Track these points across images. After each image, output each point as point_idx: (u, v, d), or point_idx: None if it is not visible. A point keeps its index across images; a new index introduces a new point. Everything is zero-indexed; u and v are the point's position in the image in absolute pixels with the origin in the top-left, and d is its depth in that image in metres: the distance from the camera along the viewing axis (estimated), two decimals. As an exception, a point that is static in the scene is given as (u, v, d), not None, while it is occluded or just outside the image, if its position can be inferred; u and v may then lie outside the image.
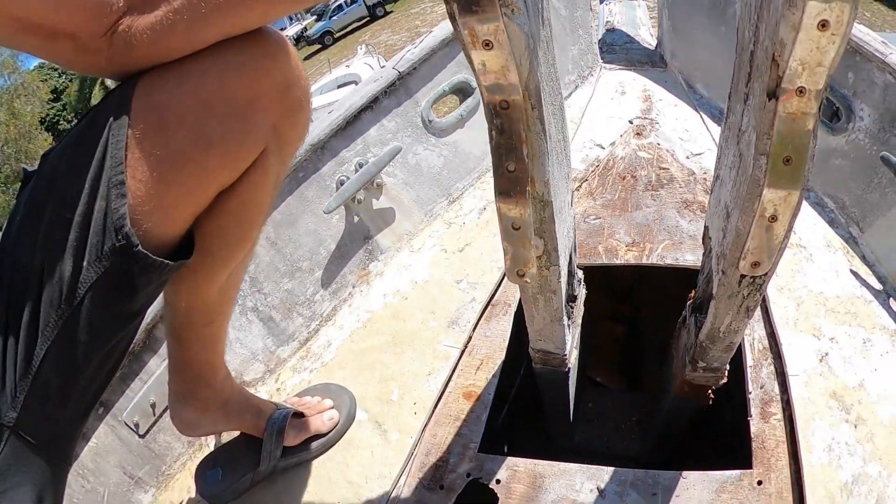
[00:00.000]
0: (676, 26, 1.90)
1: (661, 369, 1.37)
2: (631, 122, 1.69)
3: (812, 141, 0.57)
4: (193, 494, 1.19)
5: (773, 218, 0.65)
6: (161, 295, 0.89)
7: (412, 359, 1.31)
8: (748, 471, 1.02)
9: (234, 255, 0.91)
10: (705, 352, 0.97)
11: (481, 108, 1.71)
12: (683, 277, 1.34)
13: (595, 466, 1.07)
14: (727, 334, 0.92)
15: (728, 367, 1.02)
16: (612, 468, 1.06)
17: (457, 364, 1.27)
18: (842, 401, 1.11)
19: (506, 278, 1.40)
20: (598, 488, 1.04)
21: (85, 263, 0.68)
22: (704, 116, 1.74)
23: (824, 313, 1.25)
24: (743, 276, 0.76)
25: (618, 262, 1.38)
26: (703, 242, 1.02)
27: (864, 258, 1.42)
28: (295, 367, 1.45)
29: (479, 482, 1.08)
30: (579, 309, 1.13)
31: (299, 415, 1.17)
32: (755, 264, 0.72)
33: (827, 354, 1.17)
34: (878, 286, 1.35)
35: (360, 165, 1.53)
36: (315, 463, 1.18)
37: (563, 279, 0.93)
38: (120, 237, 0.68)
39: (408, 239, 1.62)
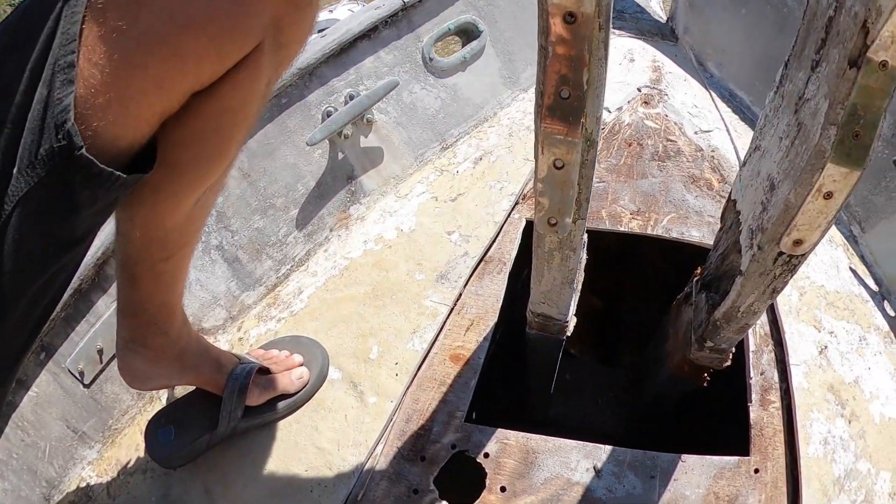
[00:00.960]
0: (693, 2, 1.81)
1: (650, 345, 1.33)
2: (639, 90, 1.61)
3: (882, 119, 0.56)
4: (142, 453, 1.08)
5: (829, 195, 0.62)
6: (112, 220, 0.75)
7: (395, 314, 1.20)
8: (746, 458, 0.99)
9: (207, 173, 0.75)
10: (717, 331, 0.92)
11: (485, 52, 1.60)
12: (686, 254, 1.29)
13: (592, 444, 1.01)
14: (746, 315, 0.87)
15: (733, 350, 0.98)
16: (609, 447, 1.00)
17: (444, 323, 1.17)
18: (838, 395, 1.09)
19: (502, 233, 1.32)
20: (594, 467, 0.98)
21: (15, 170, 0.54)
22: (714, 95, 1.68)
23: (825, 307, 1.22)
24: (780, 255, 0.72)
25: (622, 229, 1.31)
26: (723, 217, 0.97)
27: (862, 258, 1.41)
28: (260, 315, 1.32)
29: (466, 455, 1.00)
30: (580, 274, 1.05)
31: (264, 371, 1.05)
32: (798, 242, 0.68)
33: (826, 348, 1.15)
34: (874, 287, 1.34)
35: (351, 97, 1.39)
36: (280, 425, 1.07)
37: (585, 236, 0.85)
38: (60, 136, 0.53)
39: (395, 183, 1.50)
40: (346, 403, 1.08)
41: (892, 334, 1.28)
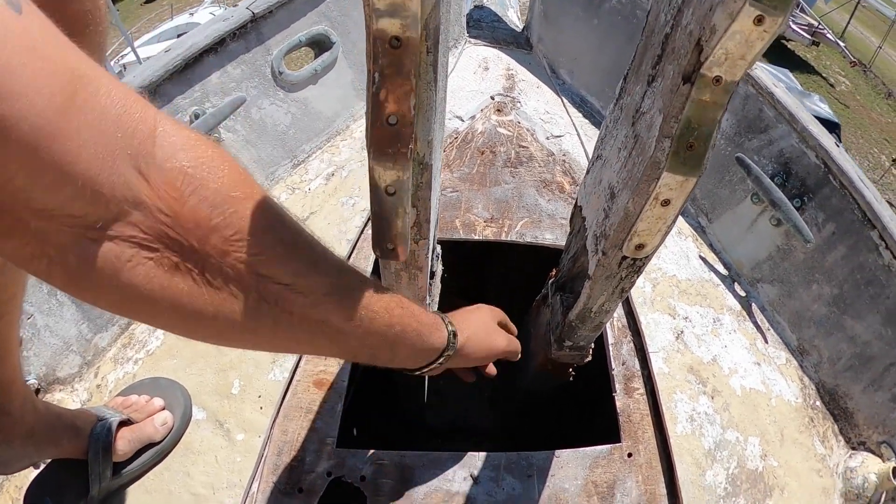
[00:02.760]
0: (548, 12, 1.89)
1: None
2: (492, 98, 1.65)
3: (717, 130, 0.57)
4: None
5: (667, 202, 0.63)
6: None
7: None
8: (618, 444, 1.02)
9: None
10: (573, 331, 0.94)
11: (337, 64, 1.56)
12: (542, 256, 1.32)
13: (467, 453, 1.00)
14: (598, 314, 0.89)
15: (593, 345, 1.01)
16: (483, 453, 1.00)
17: None
18: (698, 375, 1.15)
19: (355, 252, 1.29)
20: (471, 475, 0.97)
21: None
22: (566, 101, 1.75)
23: (678, 294, 1.30)
24: (624, 258, 0.73)
25: (476, 237, 1.32)
26: (572, 222, 0.99)
27: (711, 246, 1.51)
28: (117, 358, 1.21)
29: (342, 481, 0.96)
30: (437, 286, 1.05)
31: (126, 422, 0.97)
32: (640, 246, 0.70)
33: (682, 333, 1.21)
34: (724, 272, 1.44)
35: (197, 116, 1.31)
36: (152, 475, 0.99)
37: (431, 255, 0.85)
38: None
39: (246, 205, 1.43)
40: (215, 444, 1.00)
41: (744, 312, 1.38)
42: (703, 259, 1.45)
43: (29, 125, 0.33)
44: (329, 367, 1.10)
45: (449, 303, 1.15)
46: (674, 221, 0.65)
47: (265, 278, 0.46)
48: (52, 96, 0.34)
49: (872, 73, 15.77)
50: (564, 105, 1.72)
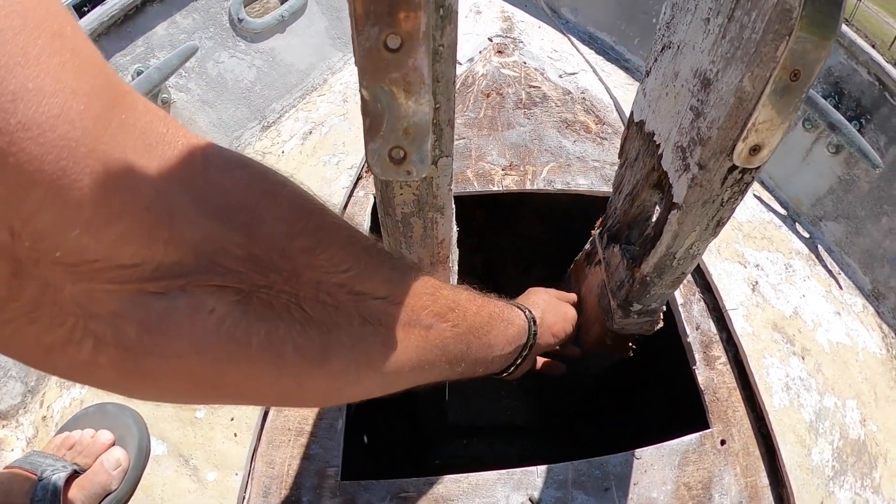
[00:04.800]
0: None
1: None
2: (490, 40, 1.42)
3: None
4: None
5: (797, 75, 0.45)
6: None
7: None
8: (707, 431, 0.81)
9: None
10: (646, 289, 0.73)
11: (308, 10, 1.32)
12: (580, 205, 1.10)
13: (519, 469, 0.77)
14: (683, 262, 0.68)
15: (665, 308, 0.80)
16: (543, 467, 0.77)
17: None
18: (784, 332, 0.94)
19: (345, 217, 1.03)
20: (530, 499, 0.74)
21: None
22: (573, 39, 1.53)
23: (742, 239, 1.08)
24: (731, 171, 0.54)
25: (495, 188, 1.09)
26: (623, 150, 0.78)
27: (763, 183, 1.30)
28: (62, 382, 0.98)
29: None
30: (455, 251, 0.83)
31: (74, 474, 0.76)
32: (756, 149, 0.51)
33: (757, 283, 1.00)
34: (782, 211, 1.24)
35: (140, 73, 1.08)
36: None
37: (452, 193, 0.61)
38: None
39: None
40: (181, 487, 0.76)
41: (812, 256, 1.17)
42: (759, 198, 1.24)
43: (59, 135, 0.22)
44: None
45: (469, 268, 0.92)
46: (797, 111, 0.47)
47: (363, 296, 0.39)
48: (89, 100, 0.24)
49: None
50: (573, 43, 1.49)
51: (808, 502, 0.79)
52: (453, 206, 0.65)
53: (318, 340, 0.35)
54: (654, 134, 0.70)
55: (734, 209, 0.60)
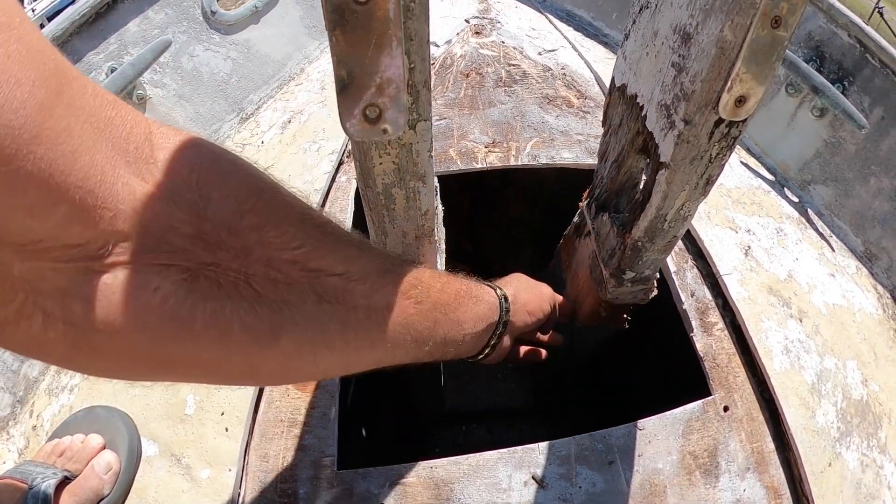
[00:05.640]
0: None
1: None
2: (467, 21, 1.40)
3: None
4: None
5: (777, 21, 0.44)
6: None
7: None
8: (710, 398, 0.79)
9: None
10: (638, 255, 0.72)
11: (282, 0, 1.31)
12: (565, 179, 1.09)
13: (521, 448, 0.75)
14: (675, 223, 0.67)
15: (658, 275, 0.79)
16: (544, 444, 0.75)
17: None
18: (780, 295, 0.93)
19: (328, 202, 1.02)
20: (534, 477, 0.72)
21: None
22: (551, 17, 1.51)
23: (732, 205, 1.07)
24: (718, 124, 0.52)
25: (479, 166, 1.07)
26: (606, 118, 0.77)
27: (749, 150, 1.30)
28: (51, 389, 0.95)
29: None
30: (440, 229, 0.81)
31: (65, 480, 0.74)
32: (741, 100, 0.50)
33: (750, 248, 0.99)
34: (770, 177, 1.24)
35: (113, 71, 1.05)
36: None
37: (433, 161, 0.59)
38: None
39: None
40: (174, 487, 0.73)
41: (802, 219, 1.17)
42: (746, 164, 1.22)
43: (2, 124, 0.23)
44: None
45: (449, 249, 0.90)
46: (780, 59, 0.46)
47: (317, 272, 0.38)
48: (33, 88, 0.24)
49: None
50: (551, 21, 1.48)
51: (815, 465, 0.78)
52: (435, 175, 0.63)
53: (268, 319, 0.35)
54: (636, 96, 0.69)
55: (723, 166, 0.59)
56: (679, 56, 0.55)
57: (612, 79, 0.73)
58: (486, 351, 0.66)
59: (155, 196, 0.30)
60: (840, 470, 0.81)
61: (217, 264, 0.32)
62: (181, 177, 0.32)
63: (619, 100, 0.73)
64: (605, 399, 1.07)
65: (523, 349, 0.79)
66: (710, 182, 0.61)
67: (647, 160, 0.68)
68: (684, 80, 0.54)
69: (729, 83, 0.48)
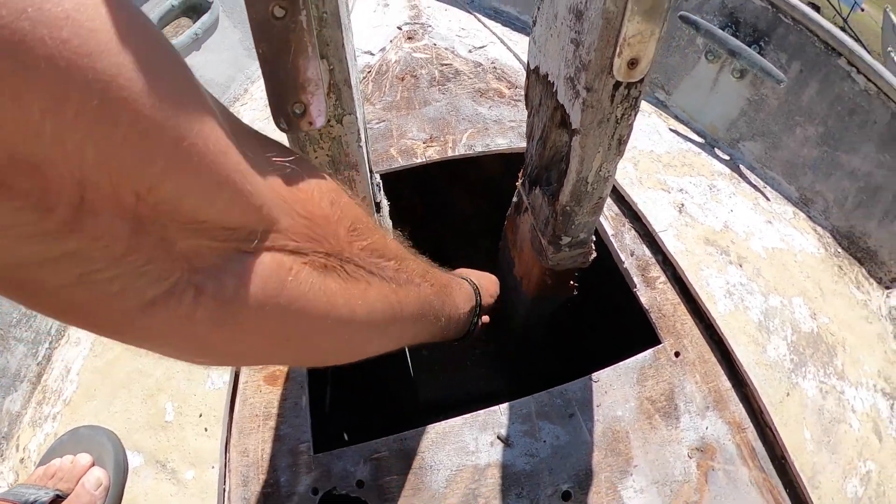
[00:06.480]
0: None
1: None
2: (400, 28, 1.45)
3: None
4: None
5: None
6: None
7: None
8: (660, 346, 0.84)
9: None
10: (569, 219, 0.76)
11: (220, 24, 1.34)
12: (501, 164, 1.15)
13: (483, 411, 0.79)
14: (597, 185, 0.72)
15: (594, 238, 0.83)
16: (505, 405, 0.79)
17: None
18: (717, 245, 0.98)
19: None
20: (499, 437, 0.76)
21: None
22: (479, 16, 1.57)
23: (663, 168, 1.13)
24: (617, 87, 0.58)
25: (419, 160, 1.13)
26: (527, 99, 0.83)
27: (677, 118, 1.36)
28: (35, 421, 0.97)
29: (335, 494, 0.74)
30: (386, 220, 0.86)
31: (57, 499, 0.75)
32: (633, 62, 0.55)
33: (683, 205, 1.04)
34: (699, 139, 1.30)
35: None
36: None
37: (366, 148, 0.64)
38: None
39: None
40: (162, 492, 0.76)
41: (735, 175, 1.23)
42: (675, 131, 1.29)
43: (180, 111, 0.26)
44: None
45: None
46: (666, 20, 0.51)
47: (380, 259, 0.45)
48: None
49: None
50: (479, 20, 1.54)
51: (773, 396, 0.82)
52: (377, 173, 0.67)
53: (359, 293, 0.41)
54: (548, 75, 0.74)
55: (631, 126, 0.64)
56: (576, 32, 0.60)
57: (528, 63, 0.78)
58: (471, 329, 0.75)
59: (283, 192, 0.35)
60: (799, 399, 0.85)
61: (326, 253, 0.38)
62: (292, 175, 0.37)
63: (536, 81, 0.78)
64: (566, 367, 1.11)
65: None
66: (622, 142, 0.66)
67: (568, 132, 0.74)
68: (582, 53, 0.60)
69: (618, 48, 0.53)
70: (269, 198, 0.33)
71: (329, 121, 0.54)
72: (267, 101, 0.45)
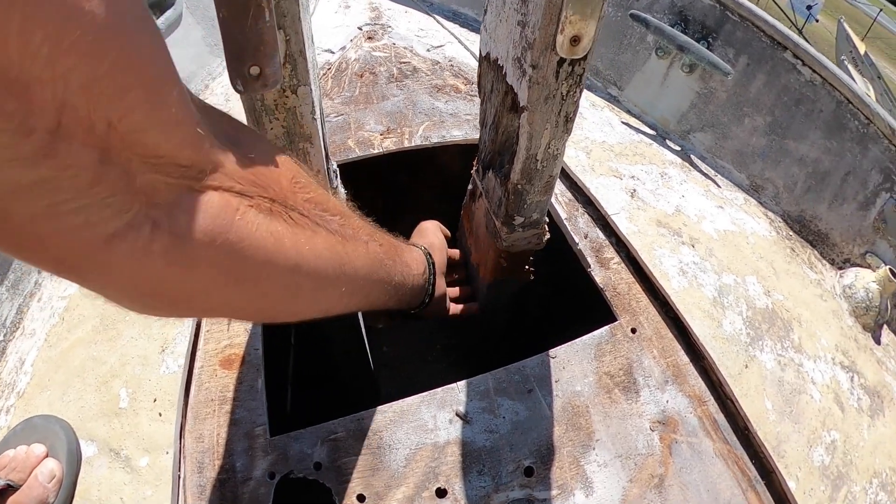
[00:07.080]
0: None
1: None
2: (360, 29, 1.48)
3: None
4: None
5: None
6: None
7: (133, 338, 0.88)
8: (616, 323, 0.86)
9: None
10: (521, 199, 0.78)
11: (183, 21, 1.35)
12: (456, 153, 1.17)
13: (440, 389, 0.80)
14: (546, 163, 0.74)
15: (547, 219, 0.85)
16: (462, 382, 0.80)
17: (198, 324, 0.89)
18: (669, 226, 1.01)
19: None
20: (457, 414, 0.77)
21: None
22: (438, 18, 1.60)
23: (615, 157, 1.16)
24: (561, 63, 0.61)
25: (376, 151, 1.15)
26: (480, 87, 0.85)
27: (630, 112, 1.40)
28: (-11, 413, 0.95)
29: (292, 478, 0.73)
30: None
31: (8, 489, 0.73)
32: (575, 39, 0.58)
33: (635, 191, 1.07)
34: (651, 132, 1.33)
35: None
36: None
37: (320, 122, 0.65)
38: None
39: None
40: (116, 481, 0.74)
41: (686, 164, 1.27)
42: (627, 124, 1.32)
43: (162, 54, 0.30)
44: (235, 339, 0.86)
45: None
46: (602, 2, 0.55)
47: (324, 213, 0.48)
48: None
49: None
50: (438, 21, 1.57)
51: (731, 369, 0.84)
52: (322, 138, 0.68)
53: (303, 239, 0.43)
54: (497, 59, 0.76)
55: (577, 103, 0.66)
56: (521, 15, 0.63)
57: (479, 50, 0.80)
58: (426, 300, 0.78)
59: (241, 155, 0.38)
60: (758, 371, 0.86)
61: (272, 199, 0.40)
62: (255, 153, 0.40)
63: (487, 67, 0.80)
64: (526, 350, 1.13)
65: (455, 307, 0.92)
66: (569, 119, 0.69)
67: (517, 114, 0.76)
68: (527, 33, 0.62)
69: (560, 26, 0.56)
70: (217, 144, 0.35)
71: (284, 91, 0.56)
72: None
